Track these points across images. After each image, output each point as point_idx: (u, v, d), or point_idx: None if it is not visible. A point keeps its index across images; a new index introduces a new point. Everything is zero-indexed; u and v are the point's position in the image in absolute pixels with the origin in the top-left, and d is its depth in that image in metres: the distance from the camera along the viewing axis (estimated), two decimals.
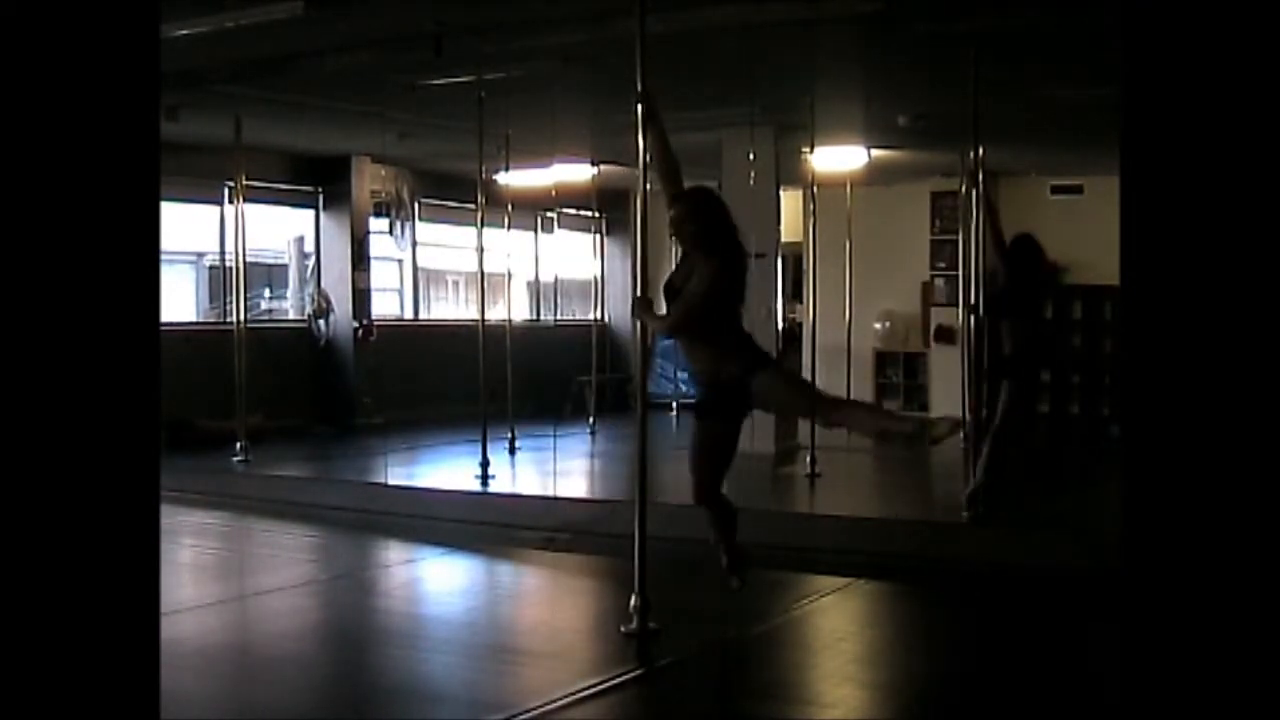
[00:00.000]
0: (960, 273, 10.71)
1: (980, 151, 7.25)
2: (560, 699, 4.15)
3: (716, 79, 8.76)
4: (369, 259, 13.28)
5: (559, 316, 15.09)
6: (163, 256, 2.80)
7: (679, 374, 14.70)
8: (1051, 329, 7.96)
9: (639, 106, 4.94)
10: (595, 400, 12.78)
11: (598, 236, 14.62)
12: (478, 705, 4.24)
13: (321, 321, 13.00)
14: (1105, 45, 4.71)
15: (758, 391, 4.76)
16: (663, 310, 5.04)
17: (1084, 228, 12.63)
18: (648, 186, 5.12)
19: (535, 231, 14.36)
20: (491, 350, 9.56)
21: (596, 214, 14.11)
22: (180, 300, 12.58)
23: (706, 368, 4.85)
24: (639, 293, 5.20)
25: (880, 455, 12.23)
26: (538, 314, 15.02)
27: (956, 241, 11.68)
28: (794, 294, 13.88)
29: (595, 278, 14.71)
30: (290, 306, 13.56)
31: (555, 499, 8.50)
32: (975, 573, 6.25)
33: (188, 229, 12.32)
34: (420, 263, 14.25)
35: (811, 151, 9.67)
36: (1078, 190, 13.39)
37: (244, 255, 10.50)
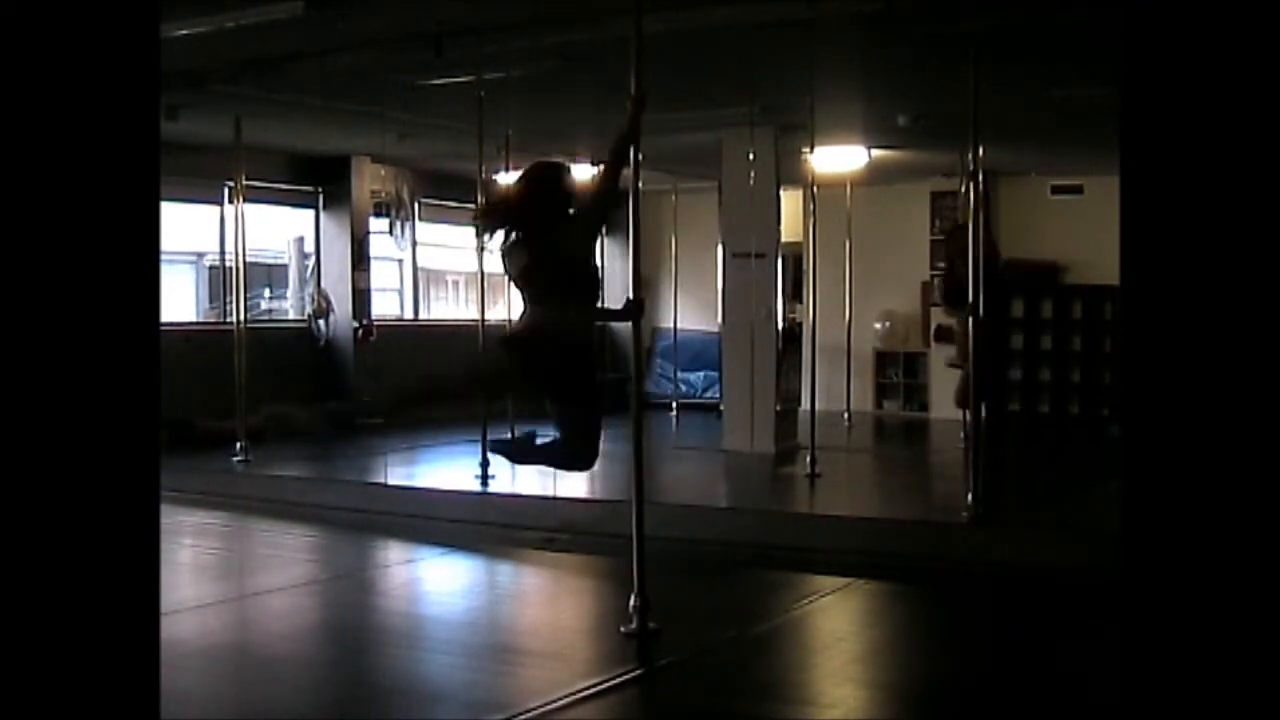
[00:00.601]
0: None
1: (980, 151, 7.25)
2: (560, 699, 4.15)
3: (716, 79, 8.76)
4: (369, 259, 13.28)
5: None
6: (163, 256, 2.80)
7: (679, 374, 14.73)
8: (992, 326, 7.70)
9: (634, 107, 4.97)
10: None
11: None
12: (478, 705, 4.24)
13: (321, 321, 13.00)
14: (1105, 45, 4.71)
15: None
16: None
17: (1084, 228, 12.64)
18: (642, 186, 5.15)
19: None
20: (491, 350, 9.54)
21: None
22: (180, 300, 12.58)
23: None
24: (631, 294, 5.19)
25: (880, 455, 12.25)
26: None
27: None
28: (794, 294, 13.88)
29: None
30: (290, 306, 13.55)
31: (555, 499, 8.50)
32: (975, 573, 6.25)
33: (188, 229, 12.32)
34: (420, 263, 14.25)
35: (811, 151, 9.67)
36: (1078, 190, 13.39)
37: (244, 255, 10.49)
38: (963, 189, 9.19)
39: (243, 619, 5.68)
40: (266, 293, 13.67)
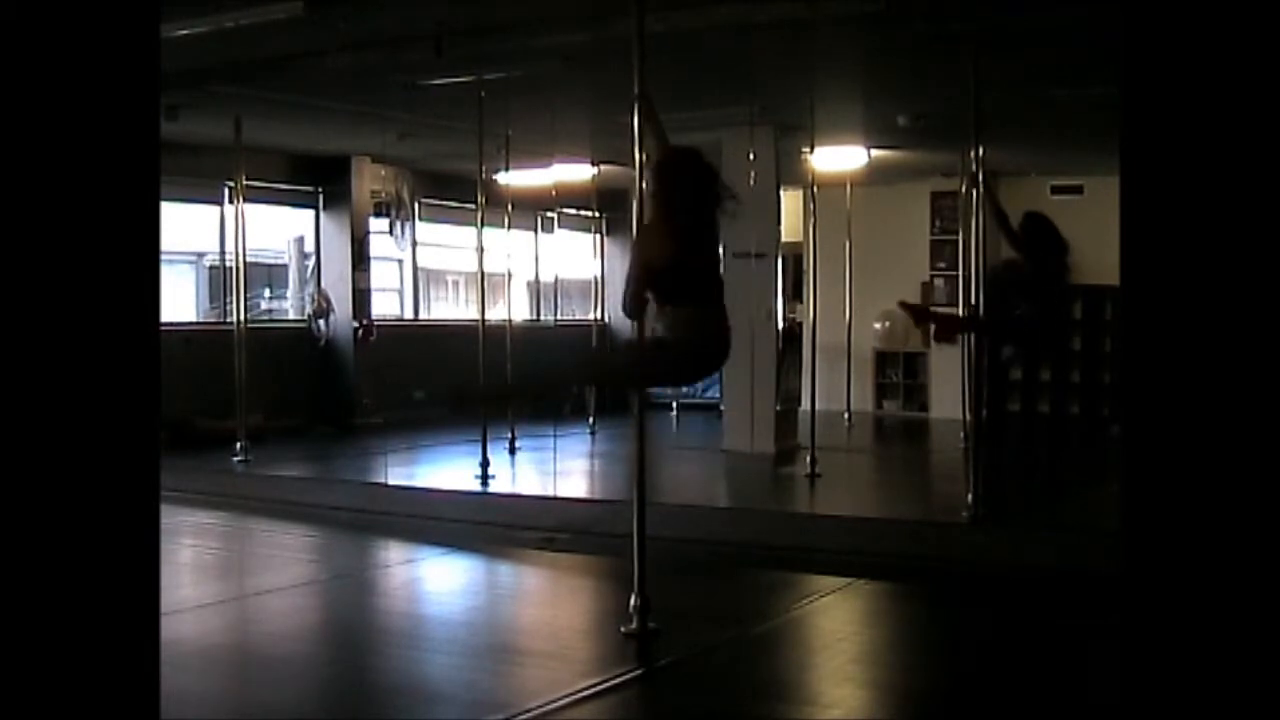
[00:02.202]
0: (960, 273, 10.71)
1: (980, 151, 7.25)
2: (560, 699, 4.15)
3: (716, 79, 8.76)
4: (369, 259, 13.29)
5: (559, 316, 15.10)
6: (163, 256, 2.79)
7: None
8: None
9: (636, 108, 4.99)
10: (595, 400, 12.78)
11: (598, 236, 14.62)
12: (478, 705, 4.24)
13: (321, 321, 13.00)
14: (1105, 45, 4.71)
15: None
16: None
17: (1084, 228, 12.61)
18: (645, 186, 5.16)
19: (535, 231, 14.36)
20: (491, 350, 9.56)
21: (596, 214, 14.11)
22: (180, 300, 12.58)
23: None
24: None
25: (880, 455, 12.25)
26: (538, 314, 15.01)
27: (956, 241, 11.68)
28: (794, 294, 13.88)
29: (595, 278, 14.71)
30: (290, 306, 13.56)
31: (555, 499, 8.50)
32: (975, 573, 6.26)
33: (188, 229, 12.32)
34: (420, 263, 14.25)
35: (811, 151, 9.67)
36: (1078, 190, 13.39)
37: (244, 255, 10.50)
38: (963, 189, 9.20)
39: (243, 619, 5.67)
40: (266, 293, 13.67)
